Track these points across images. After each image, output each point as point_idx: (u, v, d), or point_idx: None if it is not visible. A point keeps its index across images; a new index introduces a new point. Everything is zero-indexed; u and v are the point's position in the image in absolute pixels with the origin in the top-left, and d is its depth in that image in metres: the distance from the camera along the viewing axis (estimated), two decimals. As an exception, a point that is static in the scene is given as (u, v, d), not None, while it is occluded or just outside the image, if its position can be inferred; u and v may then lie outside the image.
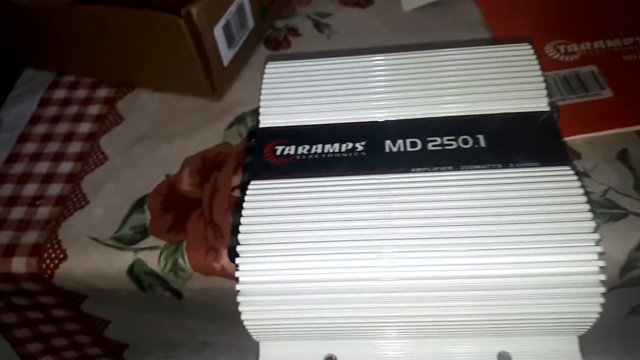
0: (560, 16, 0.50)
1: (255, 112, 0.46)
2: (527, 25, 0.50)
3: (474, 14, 0.51)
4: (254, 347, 0.47)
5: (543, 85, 0.36)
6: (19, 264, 0.39)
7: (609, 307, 0.30)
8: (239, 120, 0.46)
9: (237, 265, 0.30)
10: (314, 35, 0.52)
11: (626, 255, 0.35)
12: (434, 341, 0.33)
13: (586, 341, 0.33)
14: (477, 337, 0.33)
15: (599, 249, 0.29)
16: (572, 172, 0.32)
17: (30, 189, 0.43)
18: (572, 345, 0.32)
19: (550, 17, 0.50)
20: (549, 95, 0.36)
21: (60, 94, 0.50)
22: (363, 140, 0.35)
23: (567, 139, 0.40)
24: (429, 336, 0.33)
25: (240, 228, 0.31)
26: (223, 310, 0.41)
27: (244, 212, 0.32)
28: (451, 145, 0.34)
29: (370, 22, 0.52)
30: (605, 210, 0.36)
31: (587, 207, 0.30)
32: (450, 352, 0.33)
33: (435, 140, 0.35)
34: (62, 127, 0.47)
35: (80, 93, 0.50)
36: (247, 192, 0.33)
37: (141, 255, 0.38)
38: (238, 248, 0.30)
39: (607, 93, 0.43)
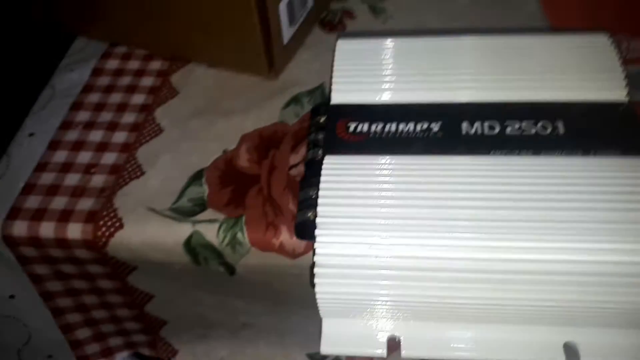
0: (624, 10, 0.50)
1: (312, 92, 0.45)
2: (588, 17, 0.49)
3: (532, 7, 0.51)
4: (294, 330, 0.46)
5: (622, 75, 0.35)
6: (74, 230, 0.38)
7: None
8: (295, 100, 0.45)
9: (314, 238, 0.30)
10: (369, 19, 0.52)
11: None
12: (499, 327, 0.32)
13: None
14: (543, 325, 0.32)
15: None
16: (655, 162, 0.31)
17: (84, 157, 0.42)
18: None
19: (613, 11, 0.50)
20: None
21: (112, 64, 0.50)
22: (439, 121, 0.35)
23: None
24: (495, 321, 0.32)
25: (319, 201, 0.31)
26: (272, 290, 0.40)
27: (322, 186, 0.31)
28: (530, 130, 0.34)
29: (427, 8, 0.52)
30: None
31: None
32: (516, 340, 0.32)
33: (514, 125, 0.34)
34: (116, 97, 0.47)
35: (133, 64, 0.50)
36: (324, 166, 0.32)
37: (200, 228, 0.38)
38: (317, 220, 0.30)
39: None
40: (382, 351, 0.32)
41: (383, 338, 0.33)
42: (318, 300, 0.30)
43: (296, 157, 0.41)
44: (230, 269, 0.39)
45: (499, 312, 0.32)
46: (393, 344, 0.33)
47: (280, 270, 0.38)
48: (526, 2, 0.51)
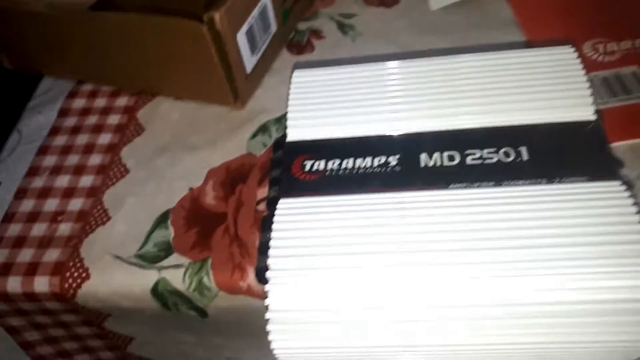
0: (598, 13, 0.48)
1: (280, 120, 0.44)
2: (562, 23, 0.47)
3: (505, 13, 0.49)
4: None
5: (589, 92, 0.34)
6: (41, 284, 0.38)
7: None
8: (263, 129, 0.44)
9: (266, 292, 0.29)
10: (338, 38, 0.50)
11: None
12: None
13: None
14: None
15: (656, 273, 0.27)
16: (623, 187, 0.30)
17: (51, 205, 0.42)
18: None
19: (588, 14, 0.48)
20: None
21: (79, 103, 0.49)
22: (397, 154, 0.33)
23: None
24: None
25: (270, 251, 0.30)
26: (249, 328, 0.40)
27: (273, 234, 0.30)
28: (492, 158, 0.32)
29: (396, 22, 0.50)
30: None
31: (639, 227, 0.28)
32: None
33: (475, 154, 0.33)
34: (82, 139, 0.46)
35: (100, 102, 0.49)
36: (277, 211, 0.31)
37: (165, 274, 0.37)
38: (268, 273, 0.29)
39: (651, 96, 0.41)
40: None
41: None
42: (275, 354, 0.29)
43: (264, 191, 0.40)
44: (202, 313, 0.38)
45: (468, 356, 0.30)
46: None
47: (252, 310, 0.37)
48: (500, 12, 0.49)
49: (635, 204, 0.29)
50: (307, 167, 0.34)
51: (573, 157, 0.32)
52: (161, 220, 0.40)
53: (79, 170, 0.44)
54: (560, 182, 0.31)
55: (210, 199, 0.41)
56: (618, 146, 0.38)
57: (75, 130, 0.47)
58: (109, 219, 0.41)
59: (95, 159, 0.45)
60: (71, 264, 0.38)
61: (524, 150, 0.33)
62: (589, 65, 0.43)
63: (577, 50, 0.36)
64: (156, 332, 0.42)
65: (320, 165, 0.34)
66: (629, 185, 0.31)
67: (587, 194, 0.30)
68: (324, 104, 0.36)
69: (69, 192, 0.43)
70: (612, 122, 0.39)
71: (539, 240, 0.29)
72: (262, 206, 0.39)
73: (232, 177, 0.42)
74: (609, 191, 0.30)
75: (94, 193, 0.42)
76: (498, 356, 0.30)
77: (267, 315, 0.28)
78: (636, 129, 0.39)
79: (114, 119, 0.47)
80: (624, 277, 0.27)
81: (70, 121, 0.48)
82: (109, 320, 0.41)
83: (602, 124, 0.33)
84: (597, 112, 0.34)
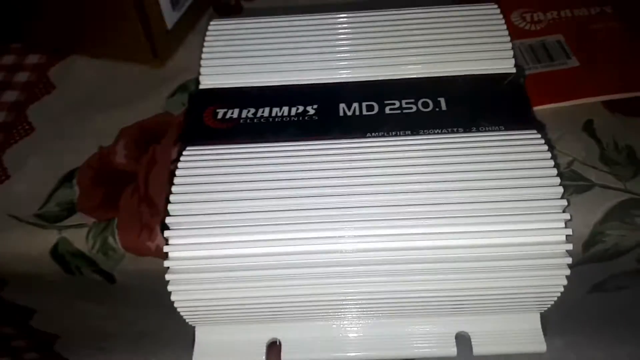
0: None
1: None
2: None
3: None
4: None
5: (509, 45, 0.34)
6: None
7: (571, 285, 0.28)
8: (183, 88, 0.42)
9: (166, 239, 0.27)
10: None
11: (590, 229, 0.33)
12: (387, 322, 0.30)
13: (544, 321, 0.31)
14: (433, 317, 0.30)
15: (566, 216, 0.26)
16: (538, 135, 0.30)
17: (-58, 163, 0.38)
18: (533, 324, 0.29)
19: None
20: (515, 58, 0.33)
21: (-17, 60, 0.45)
22: (315, 103, 0.32)
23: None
24: (381, 316, 0.30)
25: (171, 197, 0.27)
26: (161, 296, 0.37)
27: (175, 180, 0.28)
28: (410, 108, 0.32)
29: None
30: (570, 182, 0.34)
31: (554, 171, 0.27)
32: (406, 334, 0.30)
33: (394, 104, 0.32)
34: (-16, 96, 0.43)
35: (8, 59, 0.45)
36: (181, 159, 0.29)
37: (66, 234, 0.34)
38: (167, 220, 0.27)
39: (573, 63, 0.41)
40: (261, 358, 0.30)
41: (262, 343, 0.30)
42: (178, 310, 0.27)
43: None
44: (109, 277, 0.36)
45: (384, 307, 0.29)
46: (275, 349, 0.30)
47: (163, 275, 0.35)
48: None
49: (549, 150, 0.29)
50: (220, 115, 0.32)
51: (491, 107, 0.31)
52: (66, 179, 0.37)
53: (-22, 128, 0.40)
54: (477, 130, 0.30)
55: (120, 157, 0.38)
56: (541, 109, 0.38)
57: (-22, 87, 0.43)
58: (7, 177, 0.37)
59: (-3, 117, 0.41)
60: (-39, 224, 0.35)
61: (442, 101, 0.32)
62: (516, 33, 0.43)
63: (504, 17, 0.36)
64: (61, 302, 0.39)
65: (233, 113, 0.32)
66: (550, 146, 0.31)
67: (504, 141, 0.29)
68: (240, 52, 0.34)
69: (-36, 151, 0.39)
70: (535, 87, 0.39)
71: (455, 184, 0.28)
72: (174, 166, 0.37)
73: (146, 136, 0.39)
74: (525, 138, 0.29)
75: (-7, 152, 0.39)
76: (414, 305, 0.29)
77: (166, 264, 0.26)
78: (557, 93, 0.39)
79: (22, 77, 0.44)
80: (539, 219, 0.27)
81: (-28, 78, 0.44)
82: (7, 289, 0.38)
83: (522, 77, 0.33)
84: (518, 67, 0.34)
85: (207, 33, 0.35)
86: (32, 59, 0.46)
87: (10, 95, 0.43)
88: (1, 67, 0.45)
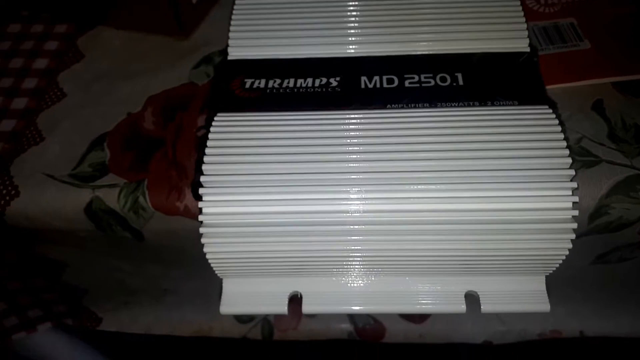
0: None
1: (224, 52, 0.44)
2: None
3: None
4: (219, 293, 0.46)
5: (524, 25, 0.35)
6: (-34, 200, 0.36)
7: (575, 255, 0.30)
8: (207, 59, 0.43)
9: (200, 197, 0.29)
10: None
11: (596, 201, 0.35)
12: (401, 279, 0.32)
13: (548, 289, 0.33)
14: (445, 275, 0.32)
15: (573, 184, 0.28)
16: (549, 111, 0.31)
17: (-20, 124, 0.40)
18: (539, 285, 0.31)
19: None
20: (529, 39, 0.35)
21: (14, 28, 0.47)
22: (338, 76, 0.34)
23: (544, 88, 0.39)
24: (396, 273, 0.32)
25: (205, 159, 0.29)
26: (186, 255, 0.39)
27: (208, 144, 0.30)
28: (429, 82, 0.33)
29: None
30: (578, 157, 0.36)
31: (563, 143, 0.29)
32: (417, 291, 0.32)
33: (413, 77, 0.33)
34: (17, 62, 0.44)
35: (38, 28, 0.47)
36: (213, 124, 0.31)
37: (99, 193, 0.36)
38: (202, 179, 0.29)
39: (585, 45, 0.43)
40: (283, 308, 0.32)
41: (284, 295, 0.32)
42: (209, 261, 0.29)
43: (205, 119, 0.39)
44: (138, 235, 0.38)
45: (399, 264, 0.31)
46: (296, 301, 0.33)
47: (189, 234, 0.37)
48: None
49: (559, 123, 0.30)
50: (247, 85, 0.34)
51: (505, 84, 0.33)
52: (97, 143, 0.39)
53: (11, 92, 0.42)
54: (492, 105, 0.32)
55: (149, 124, 0.40)
56: (553, 89, 0.40)
57: (10, 54, 0.45)
58: (42, 139, 0.39)
59: (30, 83, 0.43)
60: (0, 181, 0.37)
61: (459, 76, 0.33)
62: (531, 15, 0.45)
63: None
64: (92, 257, 0.41)
65: (260, 83, 0.34)
66: (560, 123, 0.33)
67: (517, 115, 0.31)
68: (268, 24, 0.36)
69: (1, 114, 0.41)
70: (548, 67, 0.40)
71: (470, 153, 0.30)
72: (202, 132, 0.39)
73: (173, 104, 0.41)
74: (537, 113, 0.31)
75: (27, 115, 0.41)
76: (428, 264, 0.31)
77: (200, 218, 0.28)
78: (569, 73, 0.41)
79: (51, 45, 0.46)
80: (547, 187, 0.28)
81: (4, 45, 0.45)
82: (41, 244, 0.40)
83: (536, 56, 0.35)
84: (531, 47, 0.35)
85: (235, 7, 0.37)
86: (60, 28, 0.47)
87: (41, 63, 0.44)
88: (31, 35, 0.47)
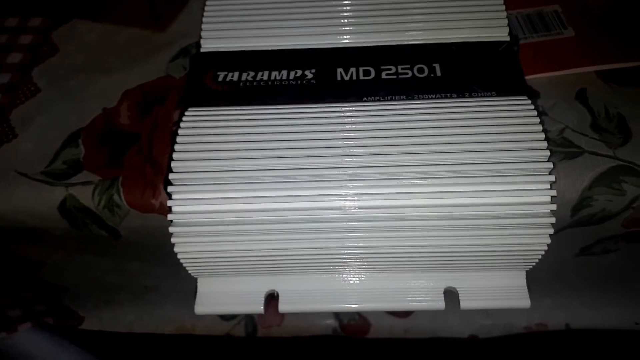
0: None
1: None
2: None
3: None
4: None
5: (504, 14, 0.34)
6: (-64, 200, 0.35)
7: (559, 248, 0.29)
8: (184, 52, 0.42)
9: (169, 194, 0.28)
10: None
11: (579, 193, 0.34)
12: (379, 276, 0.31)
13: (533, 282, 0.33)
14: (424, 272, 0.32)
15: (551, 178, 0.27)
16: (528, 101, 0.31)
17: (-50, 122, 0.39)
18: (519, 281, 0.31)
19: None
20: (510, 27, 0.34)
21: (-13, 22, 0.46)
22: (313, 68, 0.33)
23: (527, 77, 0.38)
24: (374, 271, 0.32)
25: (174, 155, 0.29)
26: (165, 252, 0.39)
27: (178, 139, 0.29)
28: (406, 74, 0.32)
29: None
30: (560, 148, 0.35)
31: (541, 135, 0.29)
32: (395, 288, 0.32)
33: (390, 69, 0.33)
34: (-10, 57, 0.43)
35: (11, 22, 0.46)
36: (183, 119, 0.30)
37: (73, 191, 0.35)
38: (171, 176, 0.28)
39: (569, 33, 0.42)
40: (259, 308, 0.31)
41: (261, 294, 0.32)
42: (181, 261, 0.29)
43: (182, 113, 0.39)
44: (114, 233, 0.37)
45: (375, 261, 0.31)
46: (273, 300, 0.32)
47: (166, 231, 0.36)
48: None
49: (537, 115, 0.30)
50: (220, 78, 0.33)
51: (484, 74, 0.32)
52: (71, 139, 0.38)
53: (-16, 88, 0.41)
54: (469, 96, 0.31)
55: (124, 119, 0.39)
56: (535, 78, 0.39)
57: (-18, 48, 0.44)
58: (15, 136, 0.38)
59: (3, 78, 0.42)
60: (-30, 180, 0.36)
61: (437, 67, 0.33)
62: (514, 3, 0.44)
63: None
64: (69, 255, 0.41)
65: (233, 76, 0.33)
66: (543, 113, 0.32)
67: (494, 107, 0.30)
68: (242, 15, 0.35)
69: (-29, 110, 0.40)
70: (531, 56, 0.39)
71: (446, 147, 0.29)
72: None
73: (149, 98, 0.40)
74: (515, 104, 0.30)
75: (1, 111, 0.40)
76: (405, 260, 0.30)
77: (169, 217, 0.28)
78: (553, 62, 0.40)
79: (26, 39, 0.45)
80: (526, 180, 0.28)
81: (-23, 40, 0.44)
82: (17, 242, 0.39)
83: (516, 46, 0.34)
84: (512, 35, 0.35)
85: (208, -3, 0.36)
86: (35, 22, 0.46)
87: (15, 57, 0.43)
88: (5, 29, 0.45)
